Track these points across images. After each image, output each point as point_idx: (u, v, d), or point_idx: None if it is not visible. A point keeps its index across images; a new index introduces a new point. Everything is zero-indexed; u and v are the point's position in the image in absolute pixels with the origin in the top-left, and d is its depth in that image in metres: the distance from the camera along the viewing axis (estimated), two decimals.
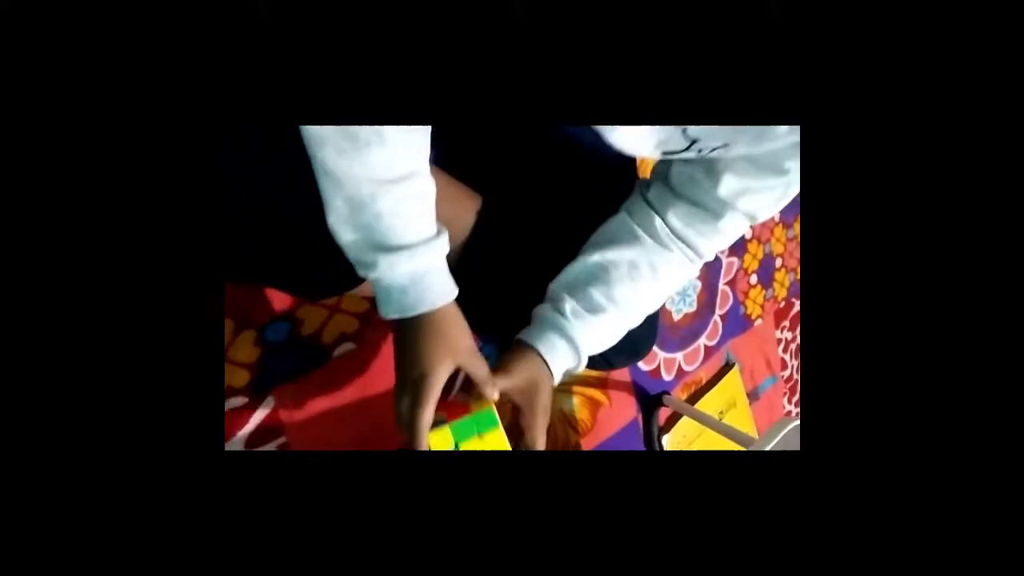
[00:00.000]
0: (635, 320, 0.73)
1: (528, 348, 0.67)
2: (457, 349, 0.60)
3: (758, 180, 0.67)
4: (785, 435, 1.03)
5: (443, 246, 0.60)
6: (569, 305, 0.68)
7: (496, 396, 0.62)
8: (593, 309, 0.69)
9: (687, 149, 0.63)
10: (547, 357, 0.67)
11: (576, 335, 0.67)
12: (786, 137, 0.61)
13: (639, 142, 0.63)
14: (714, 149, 0.63)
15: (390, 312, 0.59)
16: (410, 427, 0.58)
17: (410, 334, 0.60)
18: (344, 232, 0.55)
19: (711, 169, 0.68)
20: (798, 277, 1.66)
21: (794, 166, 0.66)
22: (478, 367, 0.62)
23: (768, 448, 1.00)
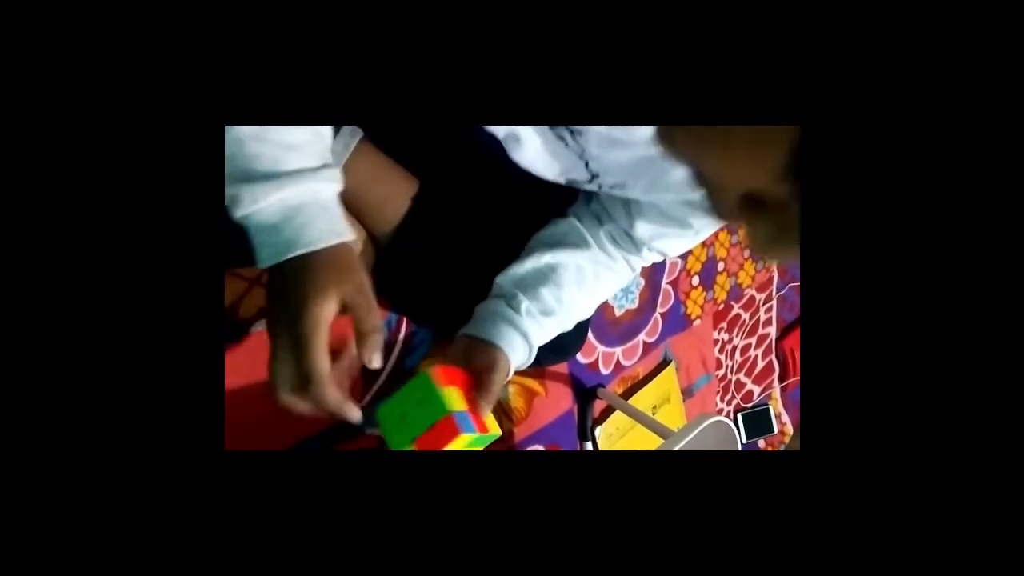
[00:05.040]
0: (570, 324, 0.75)
1: (484, 342, 0.66)
2: (342, 281, 0.49)
3: (667, 229, 0.73)
4: (703, 429, 1.07)
5: (329, 179, 0.51)
6: (524, 304, 0.68)
7: (377, 363, 0.51)
8: (545, 311, 0.70)
9: (590, 181, 0.67)
10: (507, 351, 0.65)
11: (530, 333, 0.68)
12: (681, 191, 0.64)
13: (544, 166, 0.66)
14: (613, 186, 0.66)
15: (264, 258, 0.49)
16: (305, 381, 0.49)
17: (285, 280, 0.49)
18: None
19: (628, 210, 0.73)
20: (738, 281, 1.71)
21: (699, 223, 0.71)
22: (364, 309, 0.50)
23: (686, 440, 1.04)
